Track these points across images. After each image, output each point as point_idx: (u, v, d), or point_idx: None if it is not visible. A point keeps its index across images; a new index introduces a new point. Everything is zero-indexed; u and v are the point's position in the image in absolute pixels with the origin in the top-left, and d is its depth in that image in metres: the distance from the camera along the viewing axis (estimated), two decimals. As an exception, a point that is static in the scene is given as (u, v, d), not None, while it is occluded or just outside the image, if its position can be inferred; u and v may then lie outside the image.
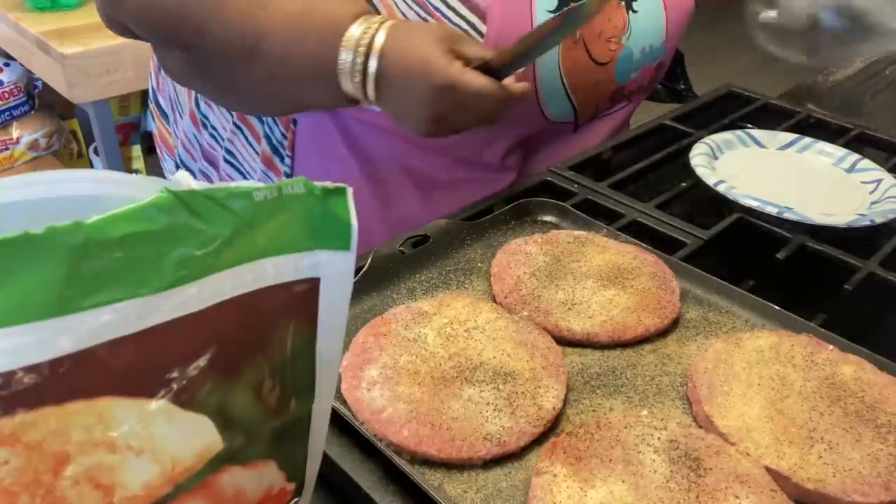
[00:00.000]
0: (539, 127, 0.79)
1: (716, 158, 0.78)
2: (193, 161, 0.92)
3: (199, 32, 0.63)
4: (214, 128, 0.86)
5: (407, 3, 0.68)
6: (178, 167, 0.94)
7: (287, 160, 0.81)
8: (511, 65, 0.62)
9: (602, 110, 0.83)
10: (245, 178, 0.86)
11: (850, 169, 0.77)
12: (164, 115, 0.96)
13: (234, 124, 0.83)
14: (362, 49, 0.61)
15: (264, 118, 0.81)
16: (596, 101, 0.81)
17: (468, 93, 0.60)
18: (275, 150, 0.82)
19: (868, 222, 0.66)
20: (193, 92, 0.87)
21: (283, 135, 0.80)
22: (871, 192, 0.73)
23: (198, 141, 0.89)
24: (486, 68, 0.61)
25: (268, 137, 0.82)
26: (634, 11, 0.79)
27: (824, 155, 0.79)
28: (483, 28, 0.69)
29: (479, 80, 0.60)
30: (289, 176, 0.81)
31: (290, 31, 0.62)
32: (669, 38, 0.83)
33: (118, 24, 0.67)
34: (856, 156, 0.78)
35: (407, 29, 0.62)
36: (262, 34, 0.62)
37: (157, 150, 1.01)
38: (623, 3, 0.78)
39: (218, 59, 0.65)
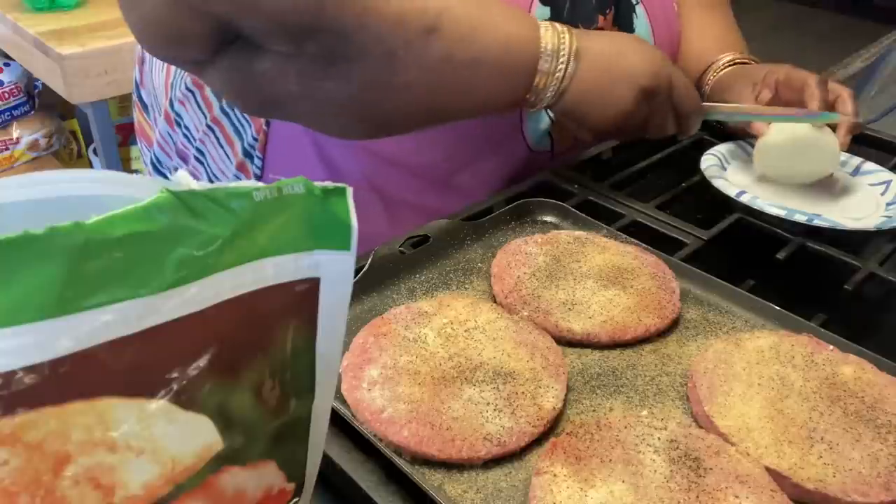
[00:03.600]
0: (521, 155, 0.79)
1: (724, 169, 0.77)
2: (169, 159, 0.92)
3: (363, 12, 0.52)
4: (188, 127, 0.86)
5: None
6: (153, 164, 0.94)
7: (258, 160, 0.81)
8: (716, 111, 0.71)
9: (580, 144, 0.83)
10: (211, 177, 0.86)
11: (856, 172, 0.77)
12: (145, 107, 0.96)
13: (207, 125, 0.83)
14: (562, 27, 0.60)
15: (237, 121, 0.80)
16: (575, 136, 0.80)
17: (678, 74, 0.65)
18: (246, 154, 0.81)
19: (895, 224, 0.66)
20: (168, 90, 0.86)
21: (254, 138, 0.80)
22: (882, 194, 0.73)
23: (172, 139, 0.89)
24: None
25: (240, 139, 0.81)
26: None
27: None
28: None
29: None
30: (259, 178, 0.81)
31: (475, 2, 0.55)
32: None
33: (199, 27, 0.52)
34: (858, 159, 0.78)
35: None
36: (445, 6, 0.54)
37: (138, 142, 1.01)
38: None
39: (379, 46, 0.53)
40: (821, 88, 0.73)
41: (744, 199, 0.69)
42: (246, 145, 0.81)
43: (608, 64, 0.61)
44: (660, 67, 0.63)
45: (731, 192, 0.70)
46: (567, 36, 0.59)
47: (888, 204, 0.71)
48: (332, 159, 0.78)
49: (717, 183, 0.72)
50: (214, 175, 0.86)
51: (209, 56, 0.55)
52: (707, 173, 0.74)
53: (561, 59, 0.58)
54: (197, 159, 0.87)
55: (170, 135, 0.89)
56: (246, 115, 0.80)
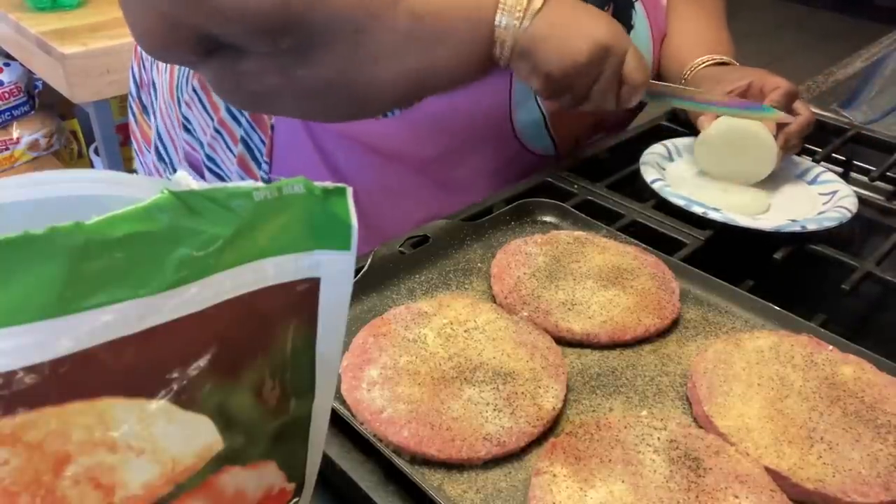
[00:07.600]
0: (520, 156, 0.80)
1: (672, 160, 0.79)
2: (177, 158, 0.92)
3: (328, 1, 0.55)
4: (195, 130, 0.86)
5: None
6: (161, 159, 0.94)
7: (265, 166, 0.81)
8: (658, 92, 0.71)
9: (583, 142, 0.85)
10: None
11: (813, 181, 0.76)
12: (145, 108, 0.95)
13: (215, 129, 0.83)
14: None
15: (243, 122, 0.80)
16: (576, 135, 0.82)
17: (634, 47, 0.66)
18: (252, 156, 0.81)
19: (798, 228, 0.65)
20: (174, 92, 0.86)
21: (261, 141, 0.80)
22: (825, 204, 0.72)
23: (182, 141, 0.89)
24: None
25: (245, 142, 0.81)
26: None
27: (791, 164, 0.78)
28: None
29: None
30: (266, 182, 0.81)
31: None
32: (653, 69, 0.86)
33: (184, 35, 0.57)
34: (820, 168, 0.77)
35: None
36: None
37: (135, 143, 1.00)
38: None
39: (347, 26, 0.56)
40: (784, 99, 0.73)
41: (655, 186, 0.71)
42: (254, 150, 0.81)
43: (571, 19, 0.63)
44: (619, 34, 0.65)
45: (648, 178, 0.73)
46: None
47: (819, 213, 0.70)
48: (336, 161, 0.78)
49: (643, 169, 0.74)
50: (228, 179, 0.85)
51: (200, 58, 0.59)
52: (642, 159, 0.76)
53: (518, 11, 0.60)
54: (209, 169, 0.86)
55: (184, 139, 0.89)
56: (251, 120, 0.80)
